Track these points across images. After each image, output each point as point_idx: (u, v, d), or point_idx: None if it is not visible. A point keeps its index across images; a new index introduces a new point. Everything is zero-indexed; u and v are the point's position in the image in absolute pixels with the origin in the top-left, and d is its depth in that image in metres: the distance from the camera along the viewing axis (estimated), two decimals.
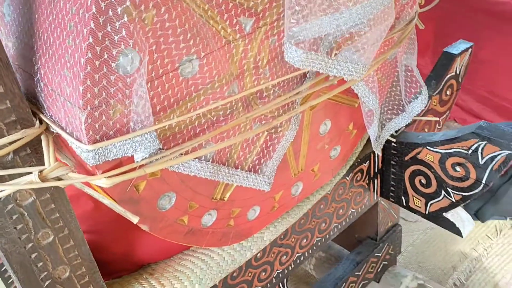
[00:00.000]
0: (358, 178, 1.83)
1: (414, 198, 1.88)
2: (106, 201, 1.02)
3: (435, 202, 1.80)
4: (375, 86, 1.39)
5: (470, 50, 1.96)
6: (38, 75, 0.96)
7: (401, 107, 1.64)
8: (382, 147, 1.75)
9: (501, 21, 2.98)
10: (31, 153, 0.99)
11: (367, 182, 1.89)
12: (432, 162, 1.71)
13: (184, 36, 0.93)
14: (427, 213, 1.86)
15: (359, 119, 1.52)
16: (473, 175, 1.60)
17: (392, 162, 1.87)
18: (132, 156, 0.98)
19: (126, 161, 0.98)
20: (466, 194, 1.67)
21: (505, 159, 1.47)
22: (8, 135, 0.95)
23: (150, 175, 1.05)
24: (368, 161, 1.84)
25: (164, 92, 0.97)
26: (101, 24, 0.81)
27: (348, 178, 1.77)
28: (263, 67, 1.13)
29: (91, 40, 0.81)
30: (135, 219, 1.03)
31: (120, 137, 0.92)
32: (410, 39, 1.50)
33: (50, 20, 0.90)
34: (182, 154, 1.06)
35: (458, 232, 1.80)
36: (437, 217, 1.83)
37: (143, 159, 0.98)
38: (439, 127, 2.14)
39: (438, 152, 1.67)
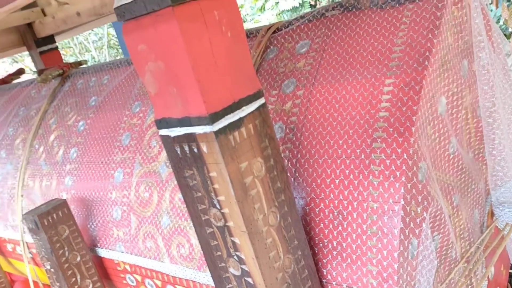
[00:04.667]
0: None
1: None
2: None
3: None
4: None
5: None
6: (329, 277, 1.16)
7: None
8: None
9: None
10: None
11: None
12: None
13: (433, 220, 1.19)
14: None
15: (505, 259, 1.74)
16: None
17: None
18: None
19: None
20: None
21: None
22: None
23: None
24: None
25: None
26: (407, 222, 1.06)
27: None
28: (466, 231, 1.38)
29: (401, 237, 1.05)
30: None
31: None
32: None
33: (338, 230, 1.15)
34: None
35: None
36: None
37: None
38: None
39: None
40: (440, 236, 1.22)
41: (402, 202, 1.06)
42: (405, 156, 1.07)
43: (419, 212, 1.08)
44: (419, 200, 1.08)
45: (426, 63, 1.12)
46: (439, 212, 1.18)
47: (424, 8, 1.20)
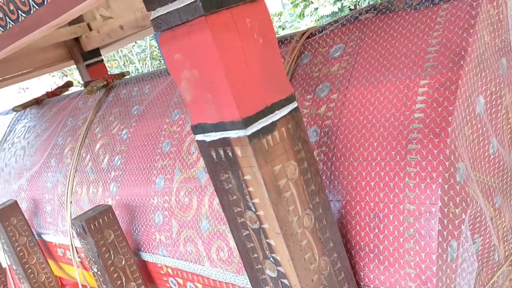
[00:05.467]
0: None
1: None
2: None
3: None
4: None
5: None
6: (366, 279, 1.16)
7: None
8: None
9: None
10: None
11: None
12: None
13: (473, 222, 1.17)
14: None
15: None
16: None
17: None
18: None
19: None
20: None
21: None
22: None
23: None
24: None
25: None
26: (445, 224, 1.05)
27: None
28: (509, 234, 1.34)
29: (440, 239, 1.04)
30: None
31: None
32: None
33: (374, 233, 1.14)
34: None
35: None
36: None
37: None
38: None
39: None
40: (481, 238, 1.19)
41: (440, 204, 1.04)
42: (441, 157, 1.05)
43: (457, 213, 1.06)
44: (457, 202, 1.07)
45: (462, 62, 1.11)
46: (479, 214, 1.16)
47: (459, 8, 1.18)
